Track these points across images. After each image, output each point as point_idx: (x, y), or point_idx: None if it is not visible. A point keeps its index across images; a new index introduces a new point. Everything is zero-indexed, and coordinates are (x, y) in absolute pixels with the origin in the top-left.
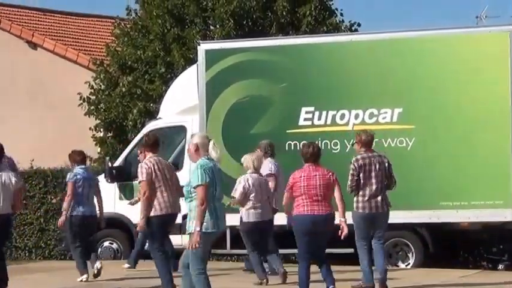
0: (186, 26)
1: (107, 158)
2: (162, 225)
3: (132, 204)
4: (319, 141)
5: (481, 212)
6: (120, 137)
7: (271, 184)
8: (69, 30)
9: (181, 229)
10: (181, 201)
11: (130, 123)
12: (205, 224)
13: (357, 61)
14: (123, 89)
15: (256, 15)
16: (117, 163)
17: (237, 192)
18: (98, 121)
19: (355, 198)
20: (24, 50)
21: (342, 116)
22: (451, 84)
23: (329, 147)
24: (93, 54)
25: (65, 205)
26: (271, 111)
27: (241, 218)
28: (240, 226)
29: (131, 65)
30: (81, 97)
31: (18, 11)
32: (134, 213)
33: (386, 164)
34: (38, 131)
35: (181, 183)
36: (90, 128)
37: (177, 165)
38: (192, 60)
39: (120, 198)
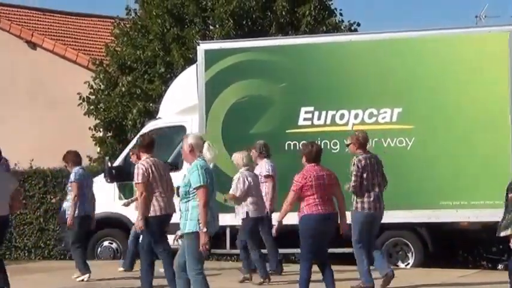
0: (186, 26)
1: (107, 158)
2: (160, 225)
3: (126, 205)
4: (319, 141)
5: (481, 211)
6: (120, 136)
7: (268, 185)
8: (69, 30)
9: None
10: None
11: (130, 123)
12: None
13: (357, 61)
14: (123, 89)
15: (256, 15)
16: (116, 163)
17: (238, 190)
18: (97, 121)
19: (358, 199)
20: (23, 50)
21: (342, 116)
22: (451, 84)
23: (328, 147)
24: (93, 54)
25: (73, 205)
26: (270, 111)
27: (247, 214)
28: (243, 223)
29: (131, 64)
30: (80, 97)
31: (17, 11)
32: (134, 213)
33: (381, 164)
34: (38, 131)
35: (179, 183)
36: (89, 128)
37: (177, 165)
38: (192, 60)
39: (120, 198)
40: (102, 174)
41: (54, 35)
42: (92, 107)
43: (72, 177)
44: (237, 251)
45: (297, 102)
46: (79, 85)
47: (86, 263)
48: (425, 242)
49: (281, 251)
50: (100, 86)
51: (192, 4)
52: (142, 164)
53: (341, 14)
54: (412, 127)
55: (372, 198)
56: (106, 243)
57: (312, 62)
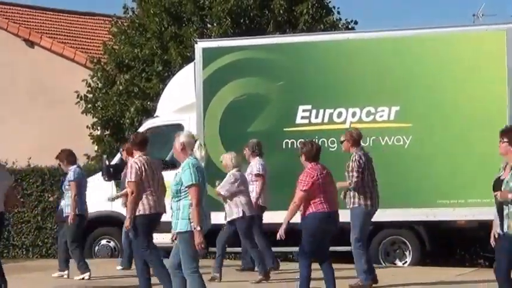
0: (183, 24)
1: (104, 156)
2: (149, 224)
3: (111, 200)
4: (317, 140)
5: (478, 210)
6: (117, 135)
7: (258, 184)
8: (66, 28)
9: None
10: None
11: (128, 121)
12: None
13: (354, 59)
14: (120, 87)
15: (254, 14)
16: (114, 161)
17: (223, 188)
18: (95, 119)
19: (360, 196)
20: (22, 48)
21: (339, 114)
22: (448, 83)
23: (326, 145)
24: (90, 53)
25: (73, 203)
26: (268, 110)
27: (243, 213)
28: (239, 224)
29: (128, 63)
30: (78, 95)
31: (15, 9)
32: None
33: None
34: (37, 130)
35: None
36: (87, 126)
37: (174, 163)
38: (189, 59)
39: (117, 197)
40: (100, 173)
41: (51, 34)
42: (89, 105)
43: (71, 176)
44: (234, 249)
45: (295, 101)
46: (77, 83)
47: (86, 261)
48: (422, 241)
49: (279, 249)
50: (98, 84)
51: (190, 2)
52: (135, 163)
53: (339, 13)
54: (410, 125)
55: (372, 195)
56: (104, 241)
57: (310, 60)
